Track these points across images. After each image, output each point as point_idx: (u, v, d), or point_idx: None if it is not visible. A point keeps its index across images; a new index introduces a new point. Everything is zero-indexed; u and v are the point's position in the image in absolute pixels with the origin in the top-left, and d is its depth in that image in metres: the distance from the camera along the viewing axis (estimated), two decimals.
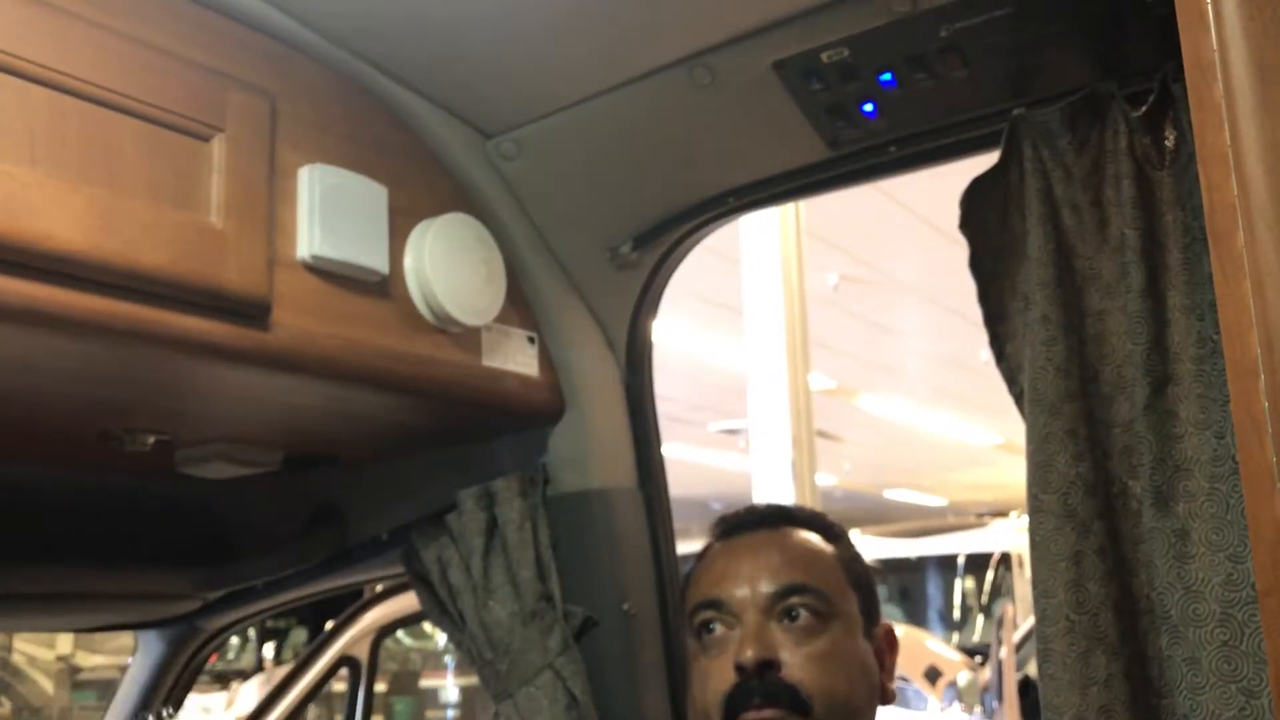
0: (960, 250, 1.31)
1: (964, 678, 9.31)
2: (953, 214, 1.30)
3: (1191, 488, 1.17)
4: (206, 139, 1.18)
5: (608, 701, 1.53)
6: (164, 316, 1.12)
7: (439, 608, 1.62)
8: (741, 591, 1.21)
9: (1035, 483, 1.23)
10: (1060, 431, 1.22)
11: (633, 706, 1.56)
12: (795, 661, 1.16)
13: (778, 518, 1.33)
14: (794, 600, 1.20)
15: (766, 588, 1.21)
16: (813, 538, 1.30)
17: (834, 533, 1.33)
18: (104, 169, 1.08)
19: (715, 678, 1.18)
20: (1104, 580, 1.19)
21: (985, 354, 1.33)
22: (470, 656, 1.59)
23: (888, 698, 1.28)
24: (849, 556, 1.31)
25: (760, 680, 1.15)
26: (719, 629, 1.20)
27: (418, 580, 1.65)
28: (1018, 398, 1.30)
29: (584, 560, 1.59)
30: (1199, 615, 1.13)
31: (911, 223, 6.80)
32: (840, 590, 1.26)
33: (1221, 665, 1.10)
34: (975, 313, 1.30)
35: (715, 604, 1.21)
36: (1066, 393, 1.23)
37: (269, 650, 18.03)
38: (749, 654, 1.16)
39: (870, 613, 1.29)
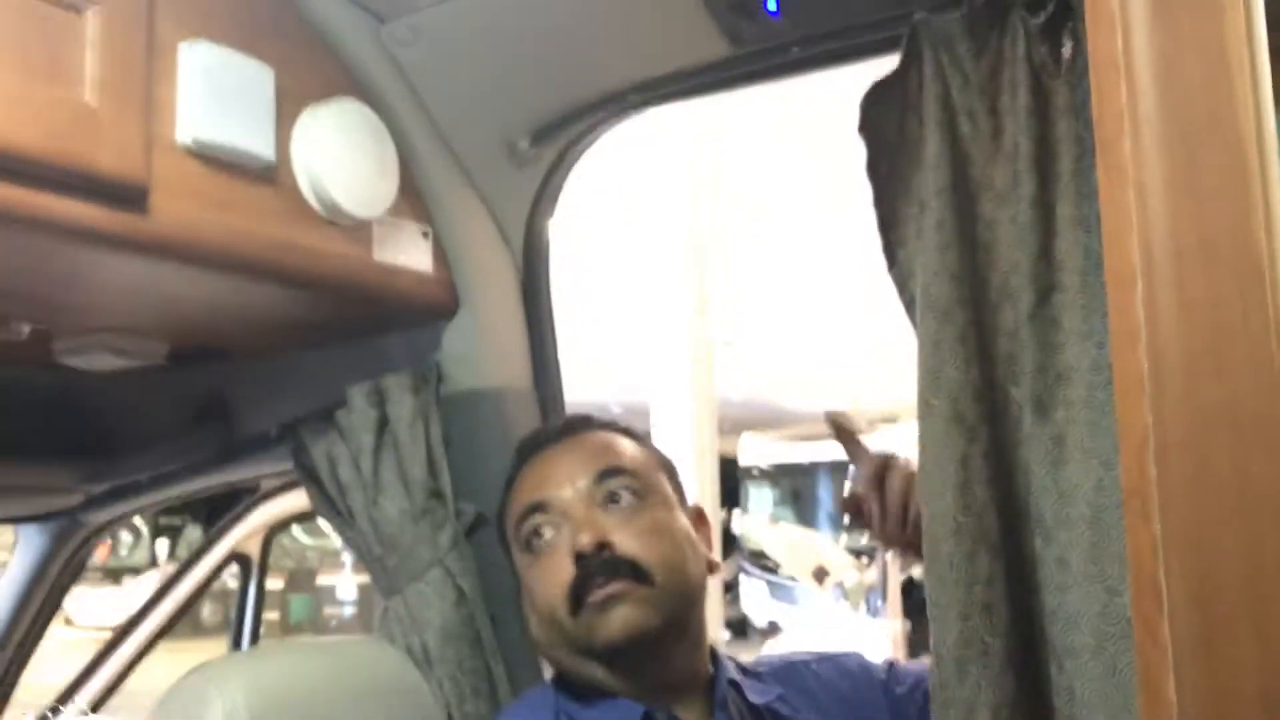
0: None
1: (851, 578, 9.61)
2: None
3: (1070, 395, 1.19)
4: (80, 10, 1.11)
5: (496, 597, 1.54)
6: (35, 198, 1.07)
7: (329, 504, 1.61)
8: (562, 490, 1.24)
9: (926, 388, 1.25)
10: (950, 338, 1.24)
11: (519, 602, 1.57)
12: (627, 538, 1.20)
13: (579, 425, 1.36)
14: (613, 484, 1.24)
15: (584, 478, 1.24)
16: (616, 435, 1.34)
17: (633, 434, 1.37)
18: None
19: (553, 574, 1.21)
20: (989, 483, 1.22)
21: None
22: (359, 553, 1.58)
23: (713, 568, 1.34)
24: (650, 446, 1.36)
25: (600, 561, 1.17)
26: (548, 532, 1.23)
27: (306, 477, 1.63)
28: (908, 305, 1.31)
29: (476, 458, 1.58)
30: (1070, 518, 1.17)
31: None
32: (651, 471, 1.31)
33: (1088, 566, 1.14)
34: None
35: (539, 506, 1.24)
36: (958, 299, 1.24)
37: (162, 547, 17.86)
38: (584, 539, 1.19)
39: (679, 492, 1.34)
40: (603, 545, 1.18)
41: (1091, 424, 1.17)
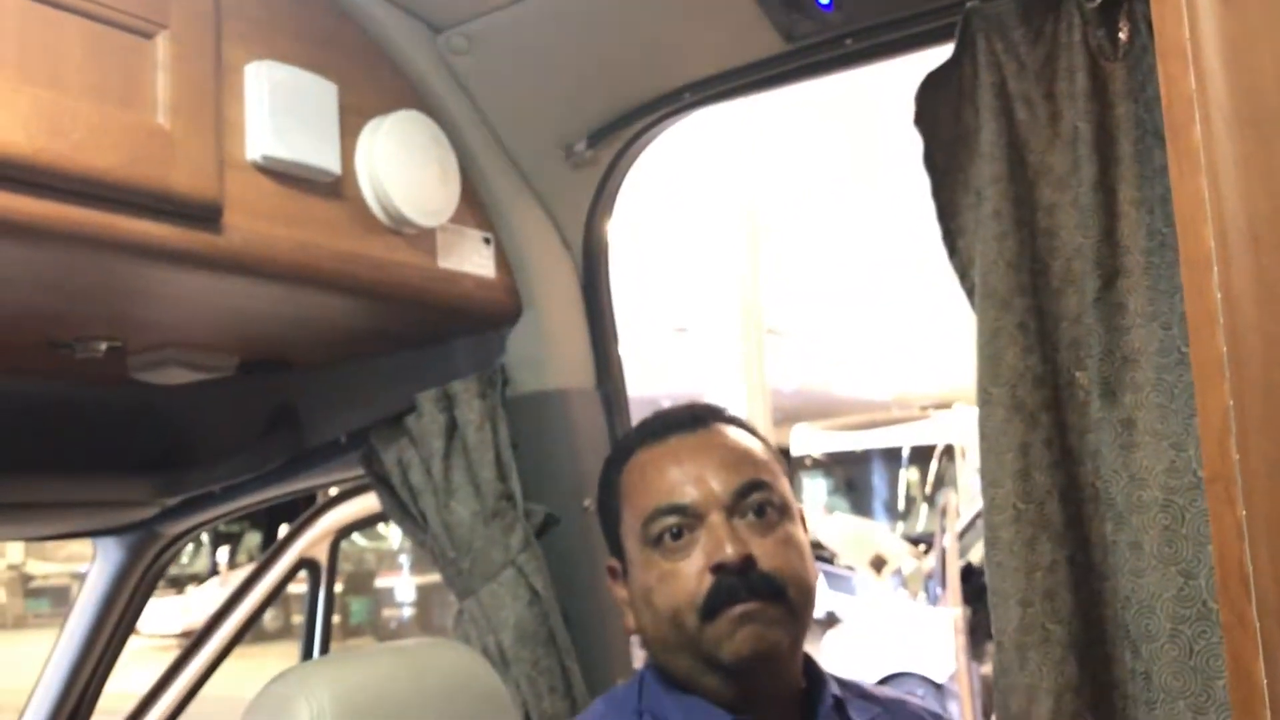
0: None
1: (909, 565, 9.54)
2: None
3: (1138, 378, 1.19)
4: (150, 36, 1.14)
5: (569, 596, 1.56)
6: (114, 221, 1.10)
7: (400, 509, 1.64)
8: (702, 492, 1.20)
9: (985, 376, 1.25)
10: (1010, 325, 1.24)
11: (593, 600, 1.59)
12: (767, 555, 1.18)
13: (706, 416, 1.32)
14: (756, 497, 1.20)
15: (728, 486, 1.20)
16: (745, 434, 1.31)
17: (757, 432, 1.34)
18: (46, 69, 1.05)
19: (685, 578, 1.16)
20: (1050, 469, 1.22)
21: None
22: (433, 556, 1.61)
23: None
24: (772, 448, 1.33)
25: (741, 576, 1.15)
26: (685, 534, 1.20)
27: (378, 482, 1.66)
28: (969, 292, 1.31)
29: (544, 459, 1.60)
30: (1143, 501, 1.16)
31: None
32: (781, 478, 1.27)
33: (1163, 549, 1.14)
34: None
35: (678, 509, 1.20)
36: (1017, 287, 1.24)
37: (223, 555, 18.09)
38: (730, 551, 1.15)
39: (794, 499, 1.32)
40: (746, 560, 1.17)
41: (1161, 407, 1.17)
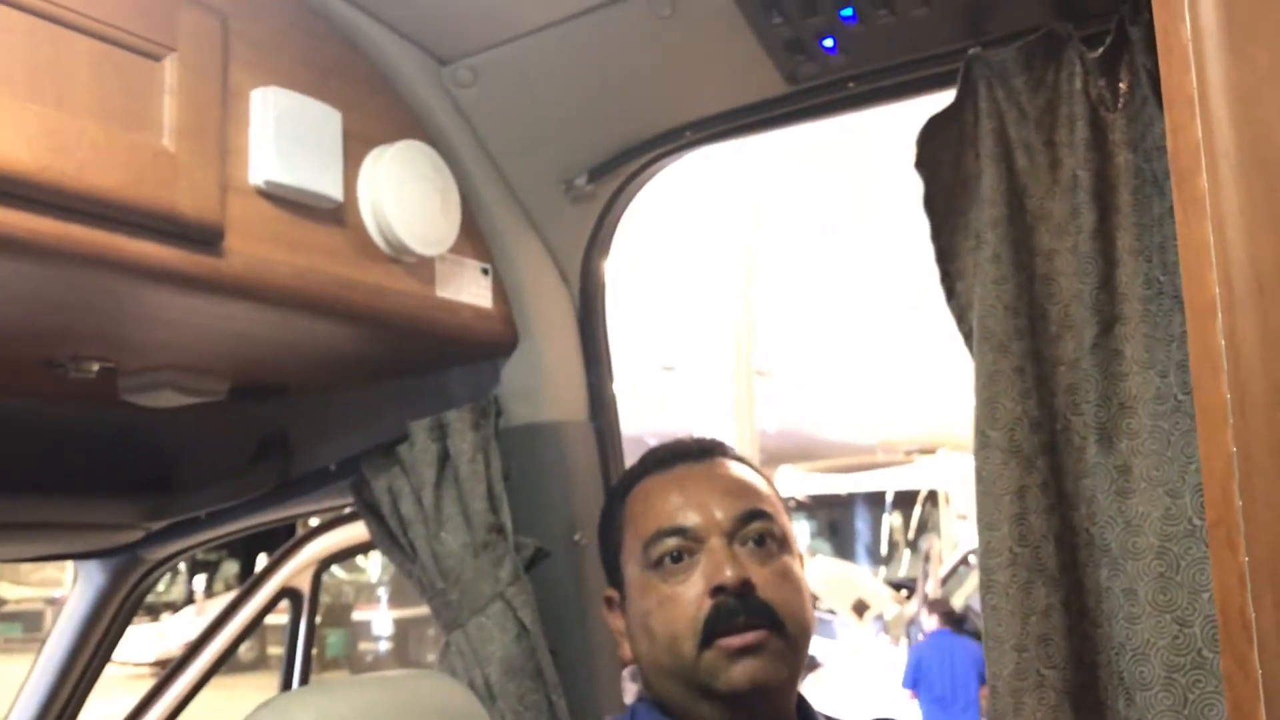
0: None
1: (891, 610, 9.53)
2: None
3: (1134, 425, 1.20)
4: (158, 58, 1.14)
5: (558, 631, 1.55)
6: (117, 241, 1.10)
7: (389, 538, 1.62)
8: (704, 517, 1.21)
9: (982, 419, 1.26)
10: (1008, 369, 1.25)
11: (582, 635, 1.58)
12: (765, 582, 1.18)
13: (713, 449, 1.33)
14: (757, 525, 1.21)
15: (730, 513, 1.21)
16: (749, 469, 1.32)
17: (756, 467, 1.35)
18: (53, 88, 1.05)
19: (685, 602, 1.17)
20: (1046, 514, 1.22)
21: None
22: (421, 587, 1.60)
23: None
24: (775, 487, 1.34)
25: (741, 600, 1.15)
26: (685, 558, 1.20)
27: (368, 511, 1.65)
28: (966, 336, 1.32)
29: (535, 492, 1.59)
30: (1138, 548, 1.16)
31: None
32: (783, 514, 1.28)
33: (1158, 596, 1.14)
34: None
35: (680, 531, 1.20)
36: (1015, 331, 1.25)
37: (199, 583, 17.94)
38: (730, 574, 1.16)
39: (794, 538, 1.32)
40: (745, 584, 1.17)
41: (1157, 454, 1.17)
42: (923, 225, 1.32)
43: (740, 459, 1.33)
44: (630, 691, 1.33)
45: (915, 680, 7.79)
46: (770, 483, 1.31)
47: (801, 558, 1.29)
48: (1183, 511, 1.14)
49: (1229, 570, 0.73)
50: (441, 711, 1.40)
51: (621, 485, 1.33)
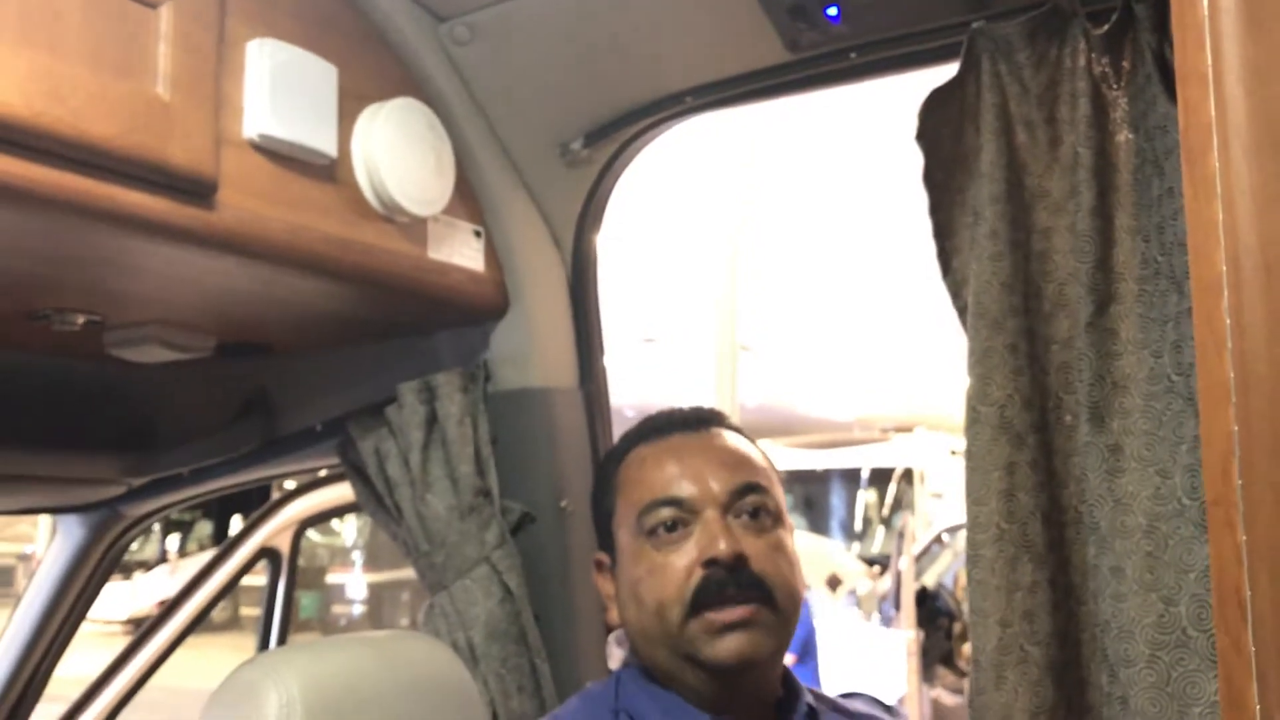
0: None
1: (864, 586, 9.59)
2: None
3: (1127, 404, 1.20)
4: (154, 5, 1.12)
5: (542, 595, 1.55)
6: (109, 191, 1.08)
7: (375, 500, 1.62)
8: (700, 489, 1.20)
9: (974, 395, 1.26)
10: (1001, 346, 1.24)
11: (566, 600, 1.58)
12: (759, 555, 1.18)
13: (711, 419, 1.33)
14: (752, 499, 1.21)
15: (725, 485, 1.21)
16: (746, 441, 1.31)
17: (752, 439, 1.35)
18: (46, 32, 1.02)
19: (675, 571, 1.17)
20: (1035, 491, 1.23)
21: None
22: (406, 549, 1.59)
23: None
24: (770, 460, 1.33)
25: (732, 574, 1.15)
26: (679, 528, 1.20)
27: (354, 472, 1.64)
28: (961, 311, 1.31)
29: (523, 457, 1.59)
30: (1126, 527, 1.17)
31: None
32: (777, 487, 1.28)
33: (1145, 575, 1.15)
34: None
35: (675, 502, 1.20)
36: (1010, 308, 1.25)
37: (173, 542, 17.89)
38: (723, 547, 1.15)
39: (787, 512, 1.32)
40: (739, 558, 1.17)
41: (1148, 433, 1.18)
42: (910, 204, 1.31)
43: (736, 429, 1.33)
44: (615, 657, 1.32)
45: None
46: (765, 455, 1.31)
47: (793, 529, 1.29)
48: (1172, 491, 1.14)
49: (1226, 548, 0.73)
50: (425, 672, 1.40)
51: (617, 450, 1.32)
